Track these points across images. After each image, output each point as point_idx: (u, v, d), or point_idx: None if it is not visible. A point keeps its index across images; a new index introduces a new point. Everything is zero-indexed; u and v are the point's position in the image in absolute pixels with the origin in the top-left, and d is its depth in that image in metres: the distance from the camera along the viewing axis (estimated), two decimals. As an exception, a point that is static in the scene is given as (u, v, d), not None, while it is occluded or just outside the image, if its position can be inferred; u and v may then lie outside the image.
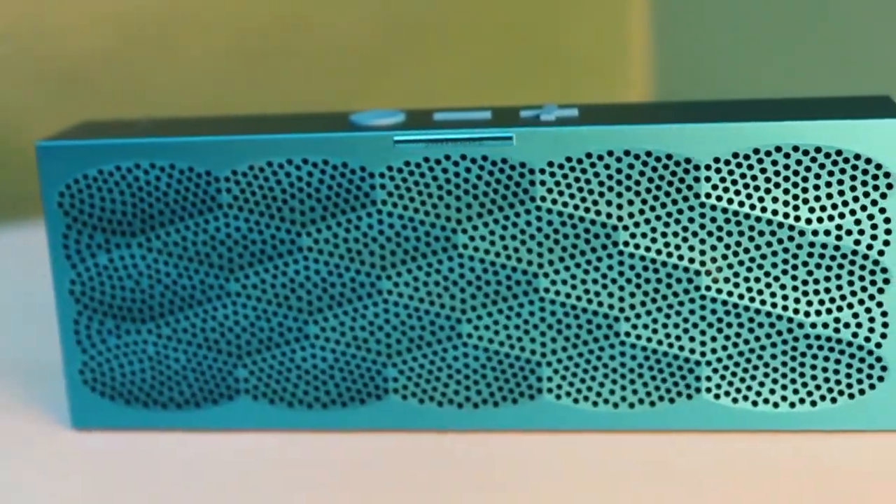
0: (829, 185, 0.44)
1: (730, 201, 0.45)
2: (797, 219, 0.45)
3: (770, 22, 0.93)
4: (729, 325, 0.46)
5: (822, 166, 0.44)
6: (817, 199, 0.45)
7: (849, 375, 0.46)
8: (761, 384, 0.47)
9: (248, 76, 0.92)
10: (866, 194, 0.44)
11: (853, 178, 0.44)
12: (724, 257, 0.46)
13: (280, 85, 0.93)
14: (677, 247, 0.46)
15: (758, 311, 0.46)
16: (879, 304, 0.45)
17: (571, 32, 0.99)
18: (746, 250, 0.45)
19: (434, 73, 0.96)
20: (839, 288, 0.45)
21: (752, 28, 0.95)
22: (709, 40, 0.97)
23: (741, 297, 0.46)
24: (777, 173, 0.44)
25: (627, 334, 0.47)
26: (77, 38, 0.88)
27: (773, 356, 0.46)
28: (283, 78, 0.93)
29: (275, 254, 0.48)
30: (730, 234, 0.45)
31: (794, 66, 0.92)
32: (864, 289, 0.45)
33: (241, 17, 0.91)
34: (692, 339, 0.47)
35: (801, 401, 0.47)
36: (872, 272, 0.45)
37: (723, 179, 0.45)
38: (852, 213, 0.45)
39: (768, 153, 0.44)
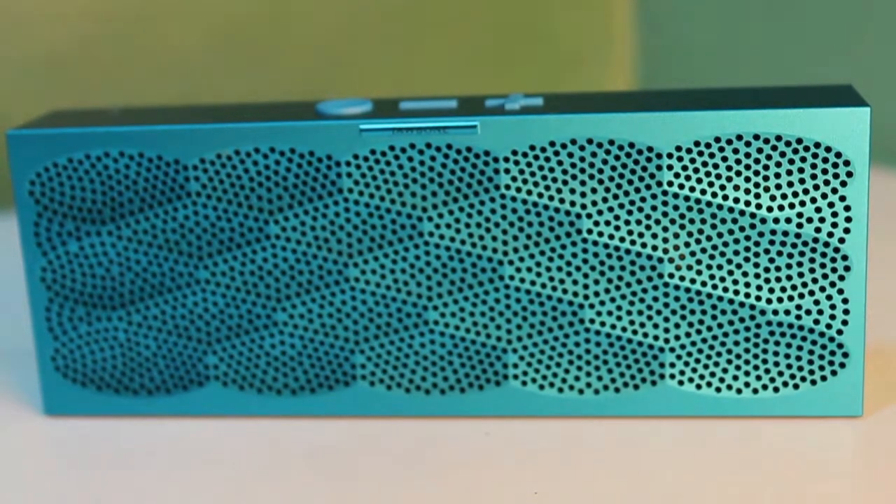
0: (789, 173, 0.45)
1: (692, 189, 0.45)
2: (759, 206, 0.45)
3: (753, 11, 0.94)
4: (692, 311, 0.47)
5: (782, 154, 0.45)
6: (778, 186, 0.45)
7: (811, 362, 0.47)
8: (724, 370, 0.47)
9: (226, 66, 0.92)
10: (827, 182, 0.45)
11: (814, 166, 0.45)
12: (687, 244, 0.46)
13: (259, 75, 0.93)
14: (640, 234, 0.46)
15: (720, 298, 0.46)
16: (840, 292, 0.46)
17: (555, 22, 0.99)
18: (709, 238, 0.46)
19: (416, 63, 0.96)
20: (801, 275, 0.46)
21: (736, 17, 0.95)
22: (693, 30, 0.97)
23: (704, 284, 0.46)
24: (738, 161, 0.45)
25: (592, 321, 0.47)
26: (57, 28, 0.88)
27: (736, 343, 0.47)
28: (262, 68, 0.93)
29: (243, 241, 0.48)
30: (692, 221, 0.46)
31: (778, 55, 0.92)
32: (825, 276, 0.46)
33: (220, 7, 0.91)
34: (656, 325, 0.47)
35: (764, 387, 0.47)
36: (833, 259, 0.45)
37: (685, 167, 0.45)
38: (813, 200, 0.45)
39: (729, 141, 0.45)
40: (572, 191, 0.46)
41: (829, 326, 0.46)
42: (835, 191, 0.45)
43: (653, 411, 0.48)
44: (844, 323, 0.46)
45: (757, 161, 0.45)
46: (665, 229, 0.46)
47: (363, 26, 0.95)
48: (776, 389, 0.47)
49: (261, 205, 0.48)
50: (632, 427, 0.47)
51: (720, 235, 0.46)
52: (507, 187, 0.46)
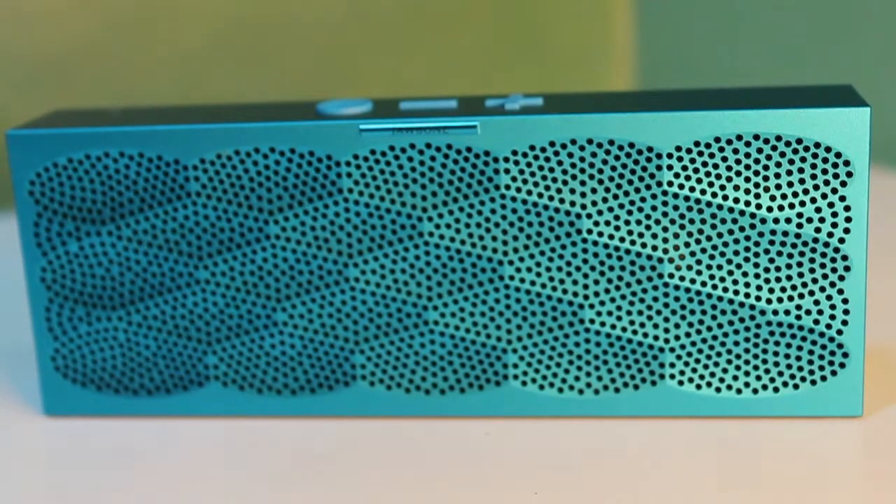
0: (789, 173, 0.45)
1: (692, 189, 0.45)
2: (759, 206, 0.45)
3: (753, 11, 0.94)
4: (692, 311, 0.47)
5: (782, 154, 0.45)
6: (778, 186, 0.45)
7: (811, 362, 0.47)
8: (724, 370, 0.47)
9: (226, 66, 0.92)
10: (827, 182, 0.45)
11: (814, 166, 0.45)
12: (687, 245, 0.46)
13: (259, 75, 0.93)
14: (640, 234, 0.46)
15: (720, 298, 0.46)
16: (840, 292, 0.46)
17: (555, 22, 0.99)
18: (709, 238, 0.46)
19: (416, 63, 0.96)
20: (801, 275, 0.46)
21: (736, 17, 0.95)
22: (693, 30, 0.97)
23: (704, 284, 0.46)
24: (738, 161, 0.45)
25: (592, 321, 0.47)
26: (57, 28, 0.88)
27: (736, 343, 0.47)
28: (262, 68, 0.93)
29: (243, 241, 0.48)
30: (692, 221, 0.46)
31: (778, 55, 0.92)
32: (825, 276, 0.46)
33: (220, 7, 0.91)
34: (656, 325, 0.47)
35: (764, 387, 0.47)
36: (833, 259, 0.45)
37: (685, 167, 0.45)
38: (813, 200, 0.45)
39: (729, 141, 0.45)
40: (572, 191, 0.46)
41: (829, 326, 0.46)
42: (835, 191, 0.45)
43: (653, 411, 0.48)
44: (844, 323, 0.46)
45: (757, 161, 0.45)
46: (665, 229, 0.46)
47: (363, 26, 0.95)
48: (776, 389, 0.47)
49: (261, 205, 0.48)
50: (632, 427, 0.47)
51: (720, 235, 0.46)
52: (507, 187, 0.46)
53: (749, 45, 0.94)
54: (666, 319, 0.47)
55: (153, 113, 0.51)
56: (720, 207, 0.45)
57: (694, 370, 0.47)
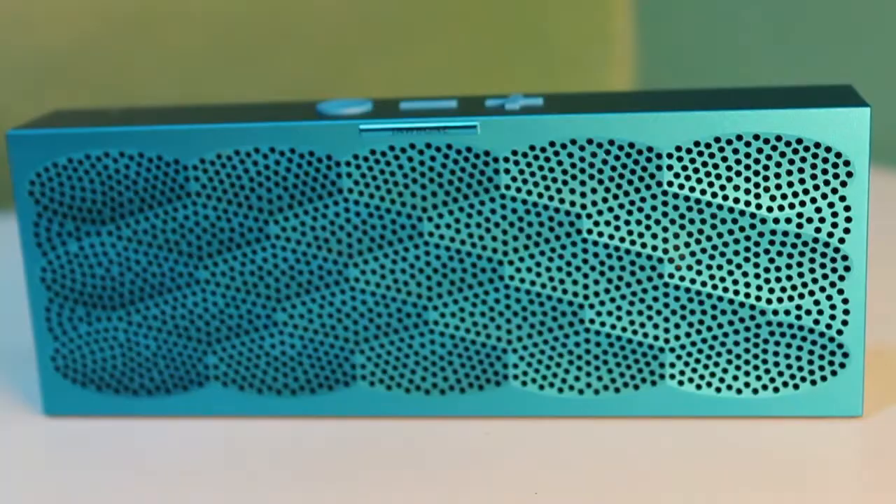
0: (789, 173, 0.45)
1: (692, 189, 0.45)
2: (759, 206, 0.45)
3: (753, 11, 0.94)
4: (692, 311, 0.47)
5: (782, 154, 0.45)
6: (778, 187, 0.45)
7: (811, 362, 0.47)
8: (724, 370, 0.47)
9: (226, 66, 0.92)
10: (827, 182, 0.45)
11: (814, 166, 0.45)
12: (687, 245, 0.46)
13: (259, 75, 0.93)
14: (640, 234, 0.46)
15: (720, 298, 0.46)
16: (840, 292, 0.46)
17: (555, 22, 0.99)
18: (709, 238, 0.46)
19: (416, 63, 0.96)
20: (801, 275, 0.46)
21: (735, 17, 0.95)
22: (693, 30, 0.97)
23: (704, 284, 0.46)
24: (738, 161, 0.45)
25: (592, 321, 0.47)
26: (57, 27, 0.88)
27: (736, 343, 0.47)
28: (263, 68, 0.93)
29: (243, 241, 0.48)
30: (692, 221, 0.46)
31: (778, 55, 0.92)
32: (825, 276, 0.46)
33: (219, 7, 0.91)
34: (656, 325, 0.47)
35: (764, 387, 0.47)
36: (833, 260, 0.45)
37: (685, 167, 0.45)
38: (813, 200, 0.45)
39: (729, 141, 0.45)
40: (572, 191, 0.46)
41: (829, 326, 0.46)
42: (835, 191, 0.45)
43: (653, 411, 0.48)
44: (844, 323, 0.46)
45: (757, 161, 0.45)
46: (665, 229, 0.46)
47: (363, 26, 0.95)
48: (776, 389, 0.47)
49: (261, 205, 0.48)
50: (632, 427, 0.47)
51: (720, 235, 0.46)
52: (507, 187, 0.46)
53: (749, 45, 0.94)
54: (666, 319, 0.47)
55: (153, 113, 0.51)
56: (720, 207, 0.45)
57: (694, 370, 0.47)
